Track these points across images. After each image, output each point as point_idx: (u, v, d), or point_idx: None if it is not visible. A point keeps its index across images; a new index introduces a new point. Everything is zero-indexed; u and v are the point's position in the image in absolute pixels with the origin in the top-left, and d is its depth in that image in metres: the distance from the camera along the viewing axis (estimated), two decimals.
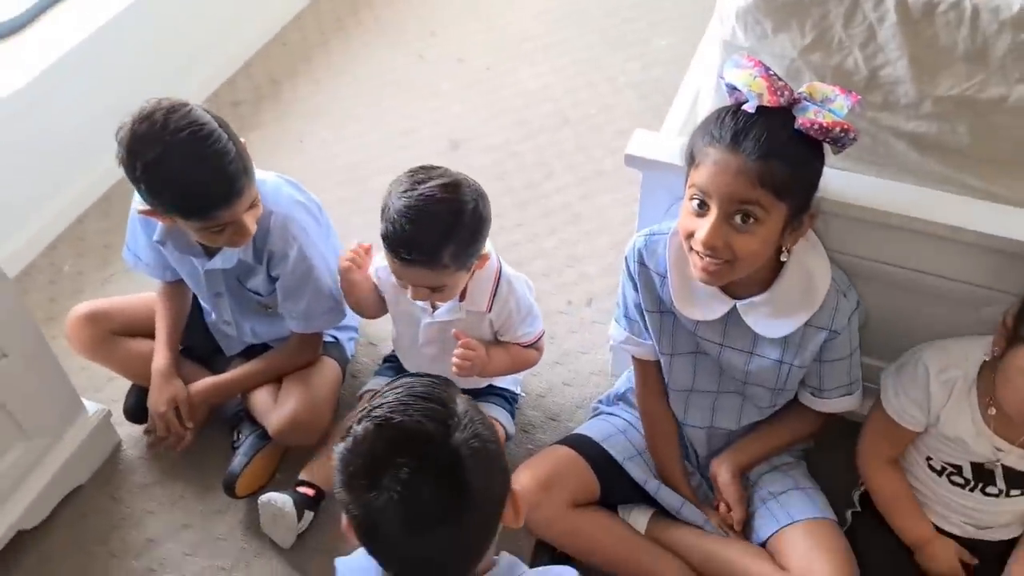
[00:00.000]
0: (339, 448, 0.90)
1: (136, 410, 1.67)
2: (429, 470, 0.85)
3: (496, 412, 1.59)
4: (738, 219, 1.13)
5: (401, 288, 1.41)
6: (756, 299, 1.26)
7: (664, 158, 1.34)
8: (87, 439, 1.58)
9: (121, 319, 1.65)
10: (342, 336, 1.72)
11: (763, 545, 1.37)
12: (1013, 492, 1.29)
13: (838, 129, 1.10)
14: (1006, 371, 1.18)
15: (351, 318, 1.72)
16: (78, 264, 2.06)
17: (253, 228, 1.40)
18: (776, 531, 1.36)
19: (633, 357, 1.46)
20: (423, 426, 0.87)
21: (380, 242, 1.36)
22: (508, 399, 1.63)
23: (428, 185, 1.31)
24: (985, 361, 1.24)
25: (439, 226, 1.30)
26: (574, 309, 1.94)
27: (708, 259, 1.18)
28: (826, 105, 1.11)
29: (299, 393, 1.55)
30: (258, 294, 1.57)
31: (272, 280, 1.53)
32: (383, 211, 1.33)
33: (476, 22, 2.82)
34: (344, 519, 0.92)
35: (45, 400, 1.50)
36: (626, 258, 1.38)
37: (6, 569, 1.49)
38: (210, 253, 1.50)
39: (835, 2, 1.17)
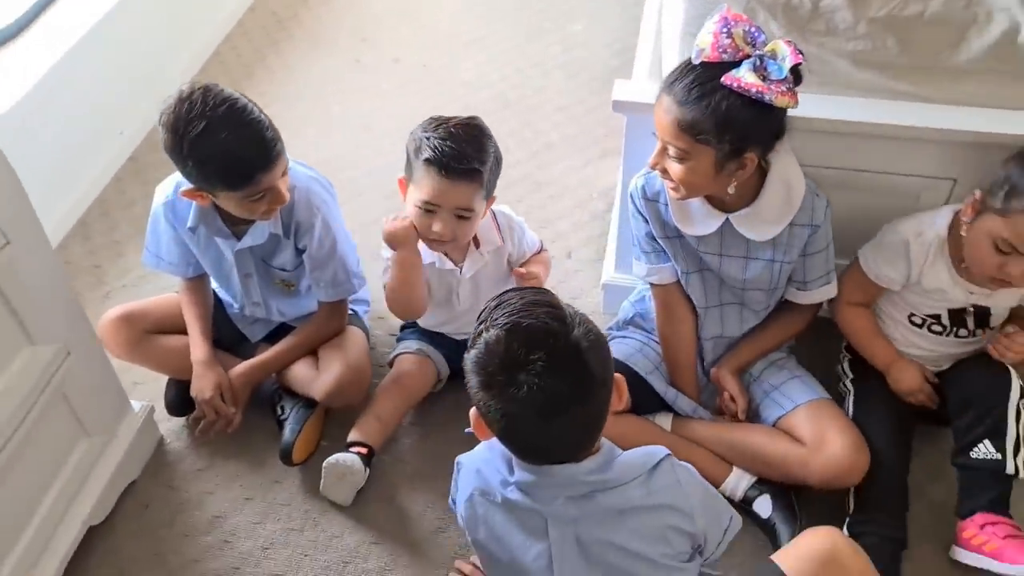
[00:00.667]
0: (470, 356, 1.04)
1: (177, 403, 1.75)
2: (559, 362, 0.99)
3: None
4: (671, 151, 1.36)
5: (425, 224, 1.54)
6: (745, 210, 1.47)
7: (649, 100, 1.55)
8: (137, 435, 1.65)
9: (152, 318, 1.73)
10: (359, 309, 1.85)
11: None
12: (978, 332, 1.56)
13: (755, 90, 1.27)
14: (974, 234, 1.43)
15: (363, 292, 1.85)
16: (74, 287, 2.09)
17: (287, 195, 1.53)
18: (783, 415, 1.57)
19: (653, 287, 1.64)
20: (549, 325, 1.01)
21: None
22: None
23: (457, 118, 1.51)
24: (951, 225, 1.49)
25: (481, 139, 1.51)
26: (557, 263, 2.12)
27: (668, 184, 1.42)
28: (776, 62, 1.28)
29: (339, 358, 1.67)
30: (284, 270, 1.68)
31: (299, 254, 1.65)
32: (421, 149, 1.48)
33: (403, 25, 2.99)
34: (474, 417, 1.08)
35: (101, 397, 1.57)
36: (631, 197, 1.58)
37: (83, 566, 1.54)
38: (238, 235, 1.61)
39: None
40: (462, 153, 1.47)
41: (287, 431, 1.67)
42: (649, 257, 1.61)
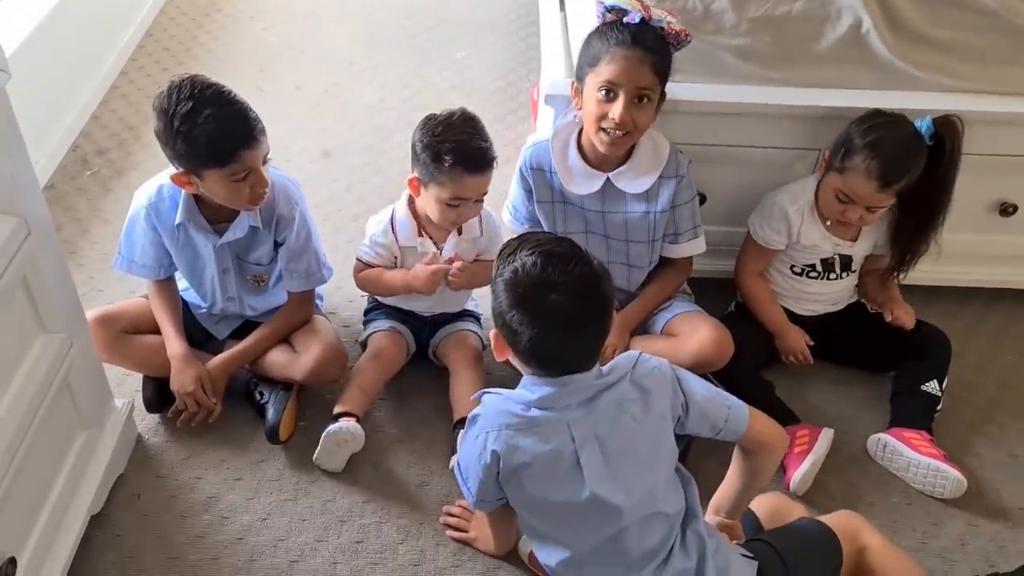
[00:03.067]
0: (503, 278, 1.23)
1: (155, 400, 1.82)
2: (584, 285, 1.22)
3: (473, 327, 1.97)
4: (639, 100, 1.62)
5: (450, 217, 1.74)
6: (622, 168, 1.75)
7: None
8: (122, 429, 1.71)
9: (128, 319, 1.80)
10: (318, 303, 2.00)
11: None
12: (844, 274, 1.93)
13: (683, 34, 1.62)
14: (823, 188, 1.80)
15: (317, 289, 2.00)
16: None
17: (268, 179, 1.65)
18: (667, 320, 1.86)
19: None
20: (576, 254, 1.24)
21: None
22: (477, 318, 2.01)
23: (454, 116, 1.72)
24: (816, 191, 1.85)
25: (484, 129, 1.73)
26: None
27: (614, 134, 1.65)
28: (663, 20, 1.61)
29: (316, 339, 1.81)
30: (259, 264, 1.81)
31: (275, 248, 1.79)
32: (437, 152, 1.68)
33: (299, 55, 3.15)
34: (495, 338, 1.28)
35: (94, 390, 1.63)
36: (521, 169, 1.84)
37: (89, 555, 1.59)
38: (220, 232, 1.73)
39: None
40: (480, 149, 1.69)
41: (271, 412, 1.78)
42: (531, 222, 1.87)
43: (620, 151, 1.73)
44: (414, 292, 1.79)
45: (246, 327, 1.90)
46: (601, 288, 1.24)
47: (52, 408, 1.45)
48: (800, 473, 1.75)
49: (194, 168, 1.61)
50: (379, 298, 1.96)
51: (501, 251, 1.30)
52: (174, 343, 1.78)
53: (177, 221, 1.71)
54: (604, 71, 1.62)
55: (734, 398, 1.38)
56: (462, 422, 1.75)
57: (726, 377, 1.83)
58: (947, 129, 1.69)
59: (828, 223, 1.85)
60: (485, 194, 1.76)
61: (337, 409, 1.79)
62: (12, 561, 1.34)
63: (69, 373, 1.50)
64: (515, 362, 1.31)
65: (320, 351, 1.79)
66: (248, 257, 1.80)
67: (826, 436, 1.80)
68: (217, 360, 1.80)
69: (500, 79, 3.08)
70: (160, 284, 1.82)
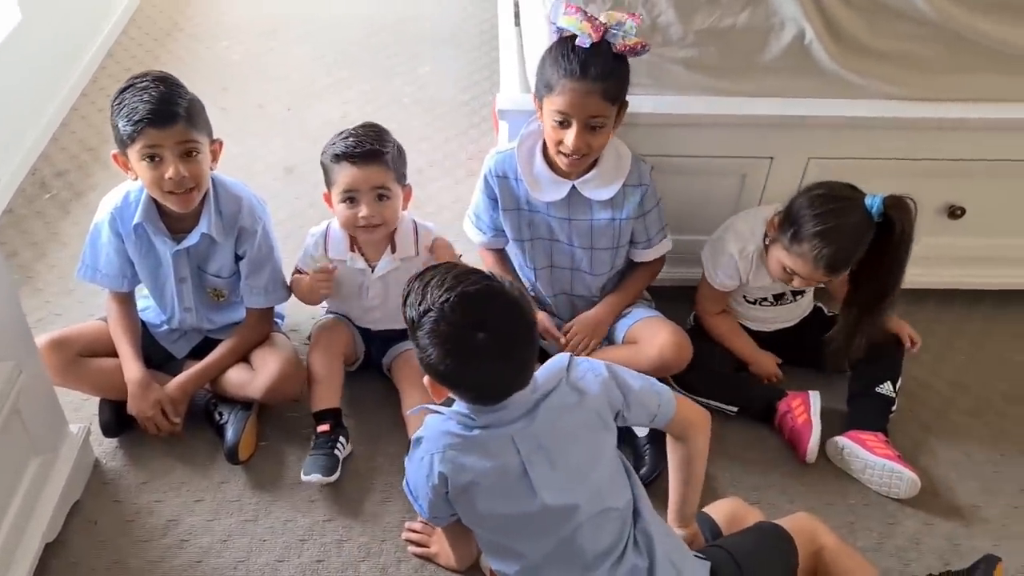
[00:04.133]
0: (424, 332, 1.21)
1: (112, 425, 1.81)
2: (506, 315, 1.23)
3: None
4: (594, 124, 1.66)
5: (356, 221, 1.75)
6: (587, 176, 1.78)
7: (525, 107, 1.85)
8: (78, 454, 1.70)
9: (83, 342, 1.79)
10: (278, 321, 2.00)
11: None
12: (797, 298, 1.98)
13: (639, 46, 1.64)
14: (771, 254, 1.82)
15: (279, 306, 2.00)
16: None
17: (181, 174, 1.62)
18: (628, 327, 1.89)
19: (487, 250, 1.96)
20: (488, 286, 1.24)
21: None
22: None
23: (360, 124, 1.76)
24: (764, 236, 1.86)
25: (379, 131, 1.77)
26: None
27: (572, 157, 1.70)
28: (621, 28, 1.64)
29: (275, 356, 1.81)
30: (219, 277, 1.81)
31: (235, 261, 1.80)
32: (331, 153, 1.75)
33: (259, 75, 3.15)
34: (429, 384, 1.28)
35: (47, 416, 1.62)
36: (487, 177, 1.86)
37: None
38: (177, 240, 1.74)
39: None
40: (363, 141, 1.72)
41: (230, 432, 1.78)
42: (492, 231, 1.91)
43: (580, 168, 1.77)
44: (320, 296, 1.84)
45: (205, 346, 1.90)
46: (522, 310, 1.25)
47: (2, 435, 1.45)
48: (814, 441, 1.82)
49: (120, 148, 1.64)
50: (332, 311, 1.97)
51: (406, 298, 1.27)
52: (132, 366, 1.77)
53: (135, 221, 1.72)
54: (556, 101, 1.66)
55: (660, 384, 1.41)
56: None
57: (703, 387, 1.88)
58: (898, 211, 1.66)
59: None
60: (384, 188, 1.74)
61: (314, 408, 1.79)
62: None
63: (19, 399, 1.49)
64: (454, 395, 1.31)
65: (278, 368, 1.79)
66: (208, 268, 1.81)
67: (815, 398, 1.87)
68: (176, 381, 1.80)
69: (463, 93, 3.10)
70: (120, 301, 1.82)
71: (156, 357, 1.87)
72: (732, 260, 1.87)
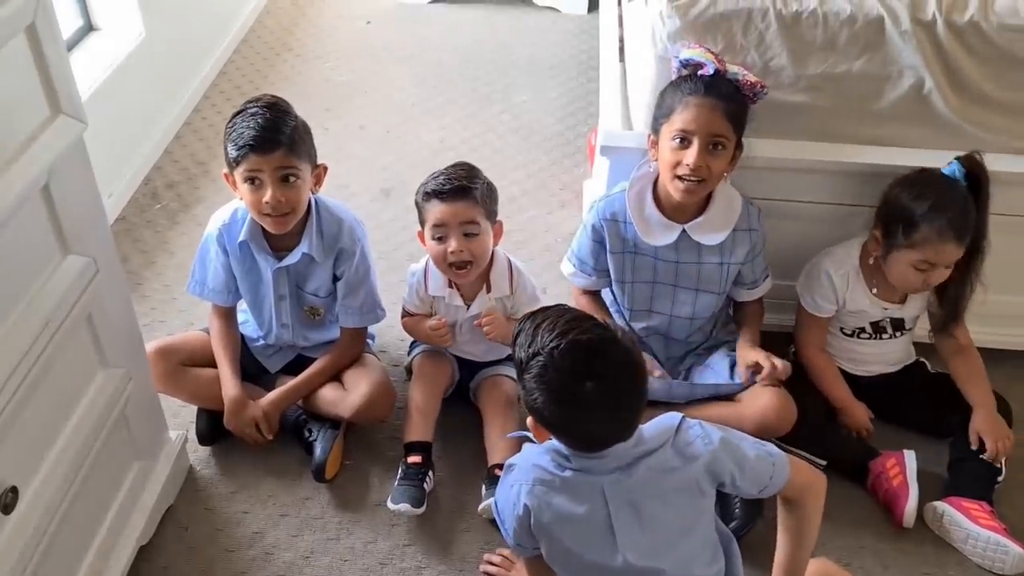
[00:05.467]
0: (531, 376, 1.20)
1: (207, 433, 1.87)
2: (617, 365, 1.20)
3: (510, 371, 1.97)
4: (712, 147, 1.64)
5: (446, 257, 1.77)
6: (699, 220, 1.77)
7: (627, 144, 1.85)
8: (175, 461, 1.76)
9: (186, 351, 1.86)
10: (369, 342, 2.03)
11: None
12: (897, 334, 1.90)
13: (759, 86, 1.66)
14: (896, 268, 1.75)
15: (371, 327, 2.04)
16: None
17: (279, 198, 1.67)
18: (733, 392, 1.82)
19: (583, 294, 1.94)
20: (602, 335, 1.21)
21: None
22: None
23: (452, 163, 1.82)
24: (861, 253, 1.82)
25: (470, 169, 1.80)
26: None
27: (688, 182, 1.67)
28: (739, 72, 1.66)
29: (367, 377, 1.85)
30: (316, 296, 1.86)
31: (332, 281, 1.84)
32: (422, 192, 1.79)
33: (362, 96, 3.23)
34: (532, 425, 1.27)
35: (150, 422, 1.68)
36: (595, 217, 1.84)
37: None
38: (279, 258, 1.80)
39: (736, 19, 1.74)
40: (453, 178, 1.75)
41: (319, 451, 1.81)
42: (597, 272, 1.88)
43: (696, 198, 1.74)
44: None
45: (298, 363, 1.94)
46: (634, 362, 1.22)
47: (108, 440, 1.50)
48: (911, 505, 1.74)
49: (229, 169, 1.72)
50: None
51: (516, 337, 1.26)
52: (230, 384, 1.83)
53: (240, 239, 1.79)
54: (677, 120, 1.66)
55: (773, 449, 1.34)
56: (491, 469, 1.77)
57: (794, 437, 1.81)
58: (976, 167, 1.69)
59: (874, 290, 1.83)
60: (473, 224, 1.75)
61: (406, 439, 1.81)
62: None
63: (127, 406, 1.55)
64: (556, 439, 1.29)
65: (369, 390, 1.82)
66: (306, 287, 1.86)
67: (911, 458, 1.80)
68: (270, 398, 1.85)
69: (558, 123, 3.12)
70: (223, 316, 1.89)
71: (251, 369, 1.92)
72: (828, 279, 1.82)
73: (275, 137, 1.65)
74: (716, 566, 1.32)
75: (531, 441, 1.35)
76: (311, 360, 1.92)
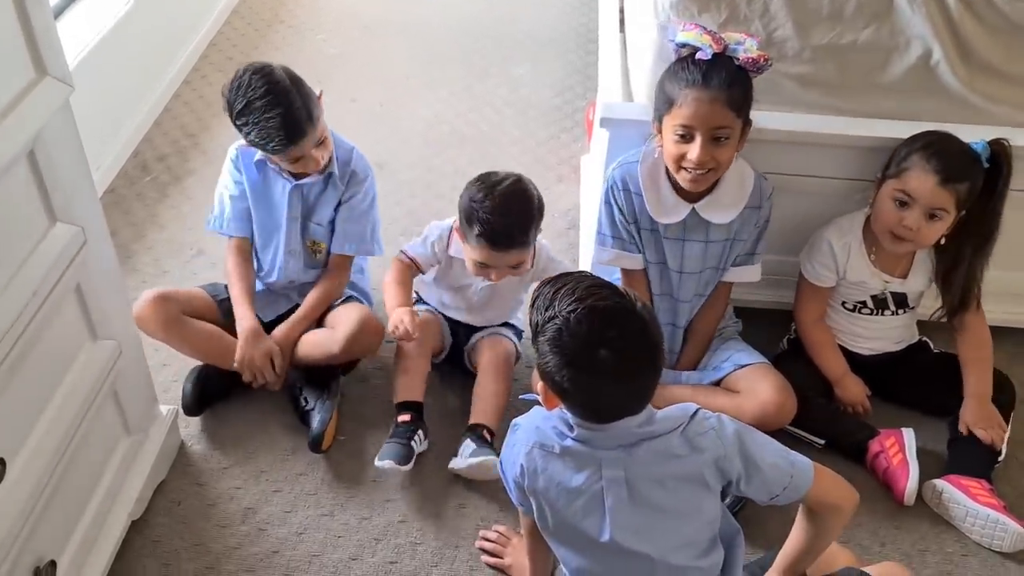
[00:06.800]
0: (546, 338, 1.17)
1: (195, 403, 1.84)
2: (632, 335, 1.15)
3: (512, 335, 1.97)
4: (718, 135, 1.60)
5: (482, 274, 1.77)
6: (709, 198, 1.73)
7: (629, 116, 1.81)
8: (166, 436, 1.73)
9: (185, 301, 1.85)
10: (364, 275, 2.07)
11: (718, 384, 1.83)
12: (899, 311, 1.87)
13: (762, 59, 1.60)
14: (878, 204, 1.74)
15: (367, 284, 2.07)
16: None
17: (321, 161, 1.80)
18: (727, 373, 1.82)
19: (622, 271, 1.86)
20: (619, 303, 1.16)
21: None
22: (517, 331, 2.00)
23: (503, 184, 1.74)
24: (864, 224, 1.80)
25: (526, 207, 1.73)
26: None
27: (695, 172, 1.64)
28: (741, 45, 1.60)
29: (351, 312, 1.86)
30: (320, 225, 1.88)
31: (336, 209, 1.87)
32: (470, 216, 1.72)
33: (355, 69, 3.18)
34: (542, 390, 1.22)
35: (141, 396, 1.65)
36: (609, 189, 1.79)
37: (128, 559, 1.60)
38: (298, 177, 1.84)
39: None
40: (508, 230, 1.70)
41: (316, 421, 1.79)
42: (619, 243, 1.81)
43: (706, 186, 1.71)
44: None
45: (288, 315, 1.92)
46: (650, 333, 1.18)
47: (98, 414, 1.47)
48: (912, 483, 1.73)
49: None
50: (425, 300, 1.98)
51: (534, 301, 1.23)
52: (246, 314, 1.85)
53: (257, 157, 1.83)
54: (678, 114, 1.61)
55: (800, 459, 1.28)
56: (474, 428, 1.77)
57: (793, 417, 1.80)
58: (1004, 153, 1.67)
59: (873, 257, 1.80)
60: (519, 265, 1.77)
61: (396, 399, 1.80)
62: (52, 564, 1.35)
63: (117, 380, 1.52)
64: (564, 407, 1.26)
65: (357, 322, 1.82)
66: (313, 217, 1.88)
67: (910, 436, 1.79)
68: (280, 330, 1.87)
69: (556, 97, 3.07)
70: (239, 253, 1.92)
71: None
72: (828, 247, 1.81)
73: (300, 129, 1.70)
74: (711, 559, 1.29)
75: (539, 405, 1.33)
76: None
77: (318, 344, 1.85)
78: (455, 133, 2.87)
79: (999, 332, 1.98)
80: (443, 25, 3.45)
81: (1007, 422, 1.81)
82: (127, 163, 2.64)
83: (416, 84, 3.10)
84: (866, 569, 1.44)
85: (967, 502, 1.69)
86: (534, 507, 1.33)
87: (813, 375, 1.89)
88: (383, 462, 1.69)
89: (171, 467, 1.77)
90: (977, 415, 1.80)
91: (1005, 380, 1.86)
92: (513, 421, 1.36)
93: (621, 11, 2.27)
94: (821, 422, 1.85)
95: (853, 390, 1.88)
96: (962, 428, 1.81)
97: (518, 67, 3.22)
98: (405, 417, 1.77)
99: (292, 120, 1.68)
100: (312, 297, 1.90)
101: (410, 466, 1.72)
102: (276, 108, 1.66)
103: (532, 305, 1.24)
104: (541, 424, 1.30)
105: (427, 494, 1.76)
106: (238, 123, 1.71)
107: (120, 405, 1.56)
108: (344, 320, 1.85)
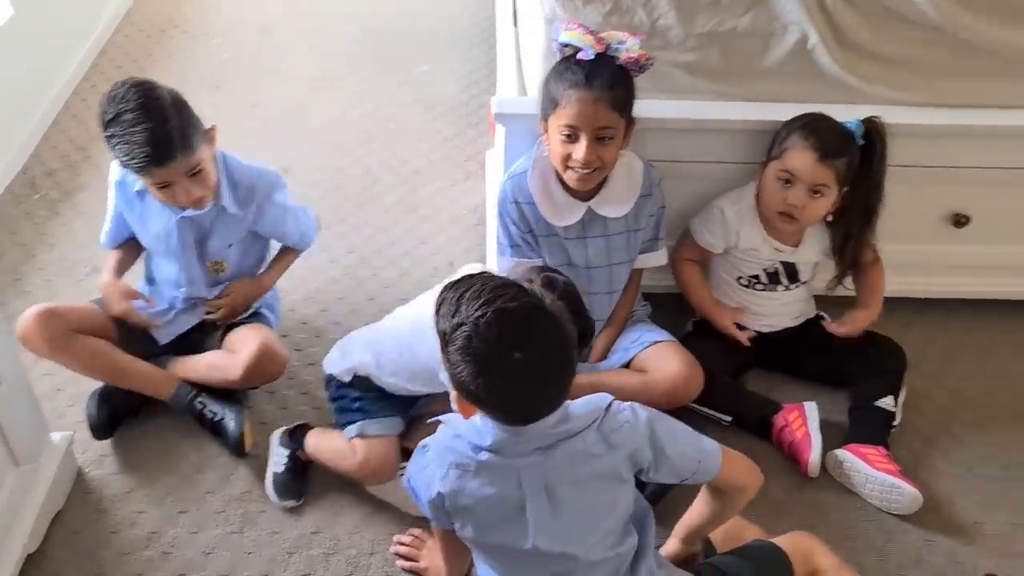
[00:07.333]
0: (456, 347, 1.12)
1: (104, 424, 1.77)
2: (545, 334, 1.12)
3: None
4: (603, 136, 1.61)
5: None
6: (602, 194, 1.75)
7: (521, 111, 1.81)
8: (60, 464, 1.66)
9: (73, 318, 1.76)
10: (272, 316, 1.99)
11: (627, 366, 1.84)
12: (792, 285, 1.92)
13: (644, 59, 1.62)
14: (764, 184, 1.80)
15: (276, 301, 2.03)
16: None
17: (193, 195, 1.68)
18: (635, 354, 1.83)
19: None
20: (529, 302, 1.13)
21: None
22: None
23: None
24: (756, 196, 1.84)
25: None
26: (441, 273, 2.32)
27: (582, 172, 1.65)
28: (623, 45, 1.62)
29: (254, 336, 1.79)
30: (221, 247, 1.83)
31: (247, 234, 1.83)
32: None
33: (255, 72, 3.11)
34: (457, 400, 1.18)
35: (28, 426, 1.58)
36: (501, 203, 1.80)
37: None
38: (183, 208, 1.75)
39: None
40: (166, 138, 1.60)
41: (232, 425, 1.76)
42: (517, 251, 1.81)
43: (592, 184, 1.72)
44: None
45: (189, 342, 1.87)
46: (562, 331, 1.15)
47: None
48: (815, 455, 1.78)
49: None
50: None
51: (439, 308, 1.19)
52: (107, 275, 1.82)
53: (137, 188, 1.75)
54: (563, 115, 1.62)
55: (709, 445, 1.31)
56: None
57: (699, 396, 1.83)
58: (877, 130, 1.74)
59: (766, 227, 1.85)
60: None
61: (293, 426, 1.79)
62: None
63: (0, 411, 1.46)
64: (480, 413, 1.23)
65: (258, 347, 1.76)
66: (211, 238, 1.81)
67: (812, 409, 1.84)
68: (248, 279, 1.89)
69: (462, 93, 3.06)
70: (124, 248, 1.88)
71: (144, 352, 1.84)
72: (720, 214, 1.85)
73: (168, 150, 1.59)
74: (626, 545, 1.30)
75: (445, 424, 1.30)
76: (206, 335, 1.88)
77: (217, 368, 1.80)
78: (363, 133, 2.83)
79: (891, 302, 2.05)
80: (343, 25, 3.40)
81: (900, 388, 1.88)
82: (14, 182, 2.54)
83: (319, 86, 3.05)
84: (775, 540, 1.48)
85: (866, 469, 1.75)
86: (457, 523, 1.30)
87: (718, 354, 1.92)
88: (282, 501, 1.71)
89: (69, 496, 1.71)
90: (861, 318, 1.90)
91: (896, 347, 1.93)
92: (422, 442, 1.32)
93: (515, 4, 2.27)
94: (727, 400, 1.89)
95: (722, 321, 1.93)
96: (844, 321, 1.91)
97: (421, 65, 3.20)
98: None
99: (161, 138, 1.57)
100: (277, 262, 1.94)
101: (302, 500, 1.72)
102: (145, 122, 1.56)
103: (437, 312, 1.19)
104: (452, 443, 1.27)
105: (339, 505, 1.74)
106: (107, 135, 1.61)
107: (5, 435, 1.50)
108: (245, 345, 1.78)
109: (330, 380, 1.75)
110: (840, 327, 1.91)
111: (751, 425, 1.88)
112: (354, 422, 1.67)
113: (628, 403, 1.28)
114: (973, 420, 1.96)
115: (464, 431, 1.25)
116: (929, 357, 2.09)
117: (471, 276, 1.20)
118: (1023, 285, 2.15)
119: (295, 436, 1.78)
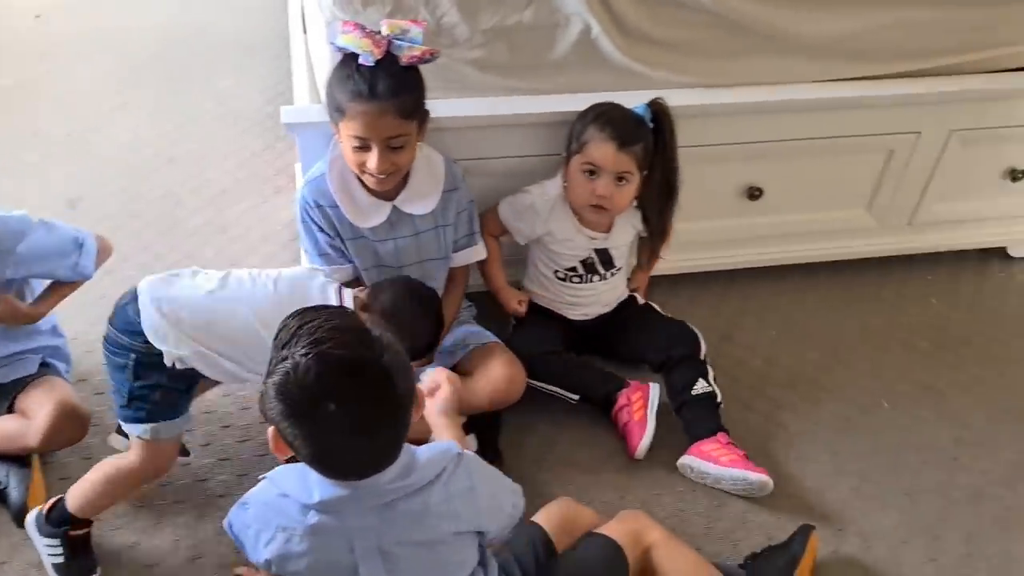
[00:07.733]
0: (272, 381, 1.04)
1: None
2: (369, 389, 1.04)
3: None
4: (392, 143, 1.57)
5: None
6: (405, 192, 1.71)
7: (314, 119, 1.74)
8: None
9: None
10: (61, 367, 1.81)
11: (453, 369, 1.80)
12: (608, 274, 1.96)
13: (427, 54, 1.57)
14: (570, 178, 1.82)
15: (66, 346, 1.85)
16: None
17: None
18: (460, 357, 1.82)
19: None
20: (359, 353, 1.04)
21: None
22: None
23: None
24: (564, 185, 1.87)
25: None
26: None
27: (379, 177, 1.61)
28: (407, 36, 1.55)
29: (49, 399, 1.65)
30: None
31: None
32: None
33: (34, 99, 2.87)
34: (273, 436, 1.09)
35: None
36: (304, 208, 1.72)
37: None
38: None
39: None
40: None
41: (14, 494, 1.60)
42: (326, 259, 1.74)
43: (392, 185, 1.68)
44: None
45: None
46: (392, 387, 1.06)
47: None
48: (645, 441, 1.82)
49: None
50: None
51: (278, 332, 1.09)
52: None
53: None
54: (351, 126, 1.56)
55: (520, 500, 1.32)
56: None
57: (546, 373, 1.87)
58: (662, 111, 1.80)
59: (578, 217, 1.88)
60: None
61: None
62: None
63: None
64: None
65: (54, 410, 1.62)
66: None
67: (655, 391, 1.88)
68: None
69: (268, 104, 2.93)
70: None
71: None
72: (530, 201, 1.87)
73: None
74: None
75: (269, 481, 1.20)
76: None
77: (10, 438, 1.64)
78: (161, 155, 2.66)
79: (677, 279, 2.14)
80: (134, 40, 3.19)
81: (705, 367, 1.92)
82: None
83: (109, 108, 2.85)
84: (604, 528, 1.49)
85: (713, 469, 1.79)
86: None
87: (546, 332, 1.94)
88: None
89: None
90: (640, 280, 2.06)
91: (687, 330, 1.97)
92: (242, 498, 1.22)
93: (303, 11, 2.20)
94: (572, 377, 1.91)
95: (507, 301, 1.97)
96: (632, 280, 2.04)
97: (223, 79, 3.05)
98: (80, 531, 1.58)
99: None
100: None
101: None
102: None
103: (276, 336, 1.10)
104: (277, 504, 1.17)
105: (154, 554, 1.62)
106: None
107: None
108: (41, 408, 1.63)
109: (131, 344, 1.52)
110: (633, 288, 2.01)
111: (598, 402, 1.91)
112: (151, 421, 1.52)
113: (471, 457, 1.24)
114: (784, 380, 2.08)
115: (291, 489, 1.16)
116: (742, 326, 2.20)
117: (323, 309, 1.13)
118: (817, 248, 2.29)
119: (52, 515, 1.55)
